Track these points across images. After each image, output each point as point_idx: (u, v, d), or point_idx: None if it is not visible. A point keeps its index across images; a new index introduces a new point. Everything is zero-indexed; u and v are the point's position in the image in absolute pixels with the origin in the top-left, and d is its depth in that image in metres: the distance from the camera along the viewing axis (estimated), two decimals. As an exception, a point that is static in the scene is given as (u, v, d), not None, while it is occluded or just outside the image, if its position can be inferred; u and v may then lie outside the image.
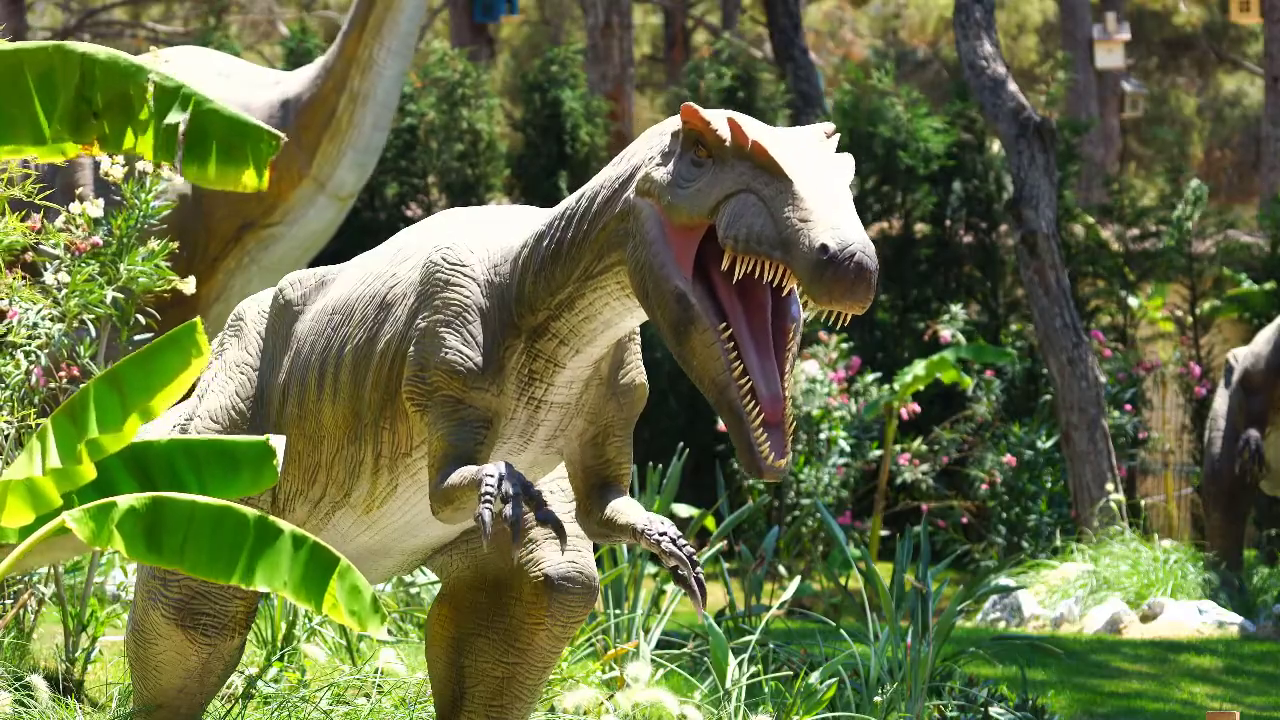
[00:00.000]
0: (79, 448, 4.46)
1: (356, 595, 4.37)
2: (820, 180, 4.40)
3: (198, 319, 4.61)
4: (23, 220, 6.57)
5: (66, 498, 4.54)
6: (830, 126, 4.64)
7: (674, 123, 4.69)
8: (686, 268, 4.55)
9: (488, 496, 4.66)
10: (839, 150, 4.63)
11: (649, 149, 4.71)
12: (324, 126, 10.33)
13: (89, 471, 4.49)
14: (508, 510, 4.65)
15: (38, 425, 6.65)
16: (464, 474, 4.82)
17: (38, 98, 4.64)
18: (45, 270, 6.86)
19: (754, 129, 4.51)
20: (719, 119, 4.53)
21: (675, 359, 4.64)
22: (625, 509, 4.97)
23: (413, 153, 17.12)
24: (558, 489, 5.52)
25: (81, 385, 7.00)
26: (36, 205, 6.70)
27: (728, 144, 4.50)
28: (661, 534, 4.82)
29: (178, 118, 4.69)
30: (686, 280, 4.54)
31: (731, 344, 4.51)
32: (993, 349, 15.24)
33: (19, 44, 4.66)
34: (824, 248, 4.27)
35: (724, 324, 4.52)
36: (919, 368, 14.62)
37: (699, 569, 4.80)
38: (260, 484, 4.68)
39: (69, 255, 6.77)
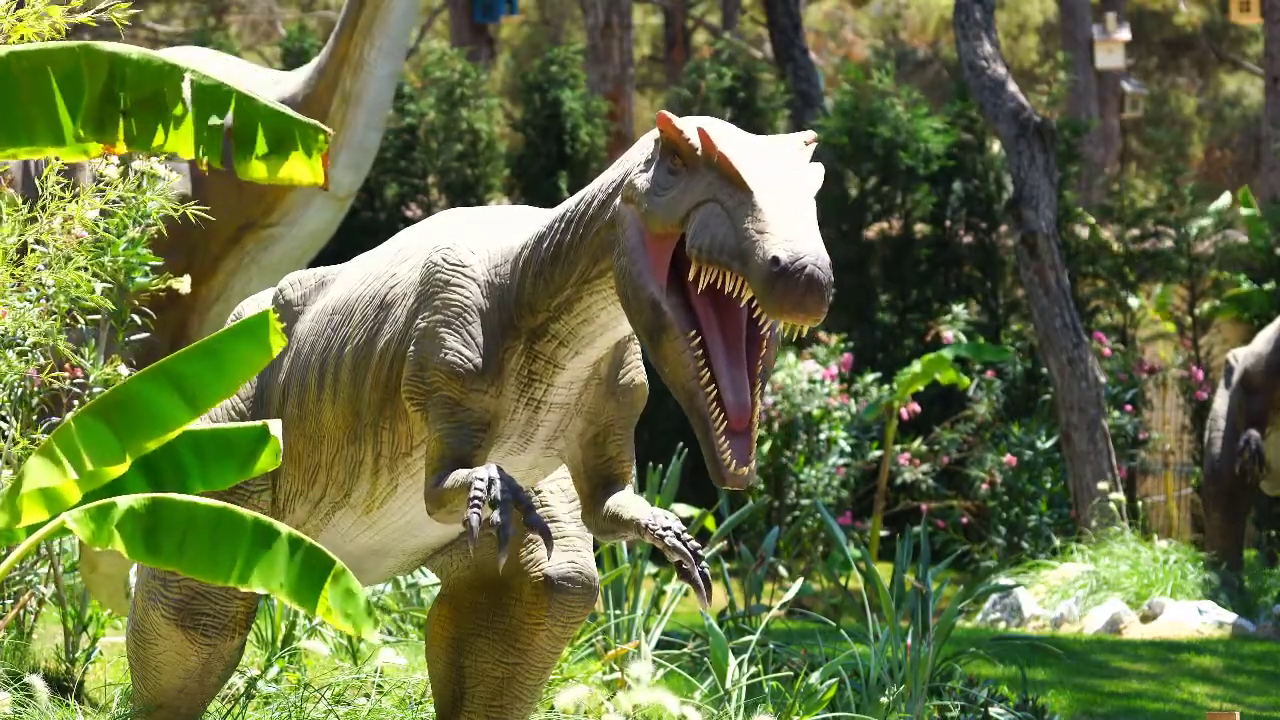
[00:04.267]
0: (121, 449, 4.42)
1: (350, 599, 4.38)
2: (781, 192, 4.41)
3: (269, 309, 4.57)
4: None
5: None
6: (810, 135, 4.66)
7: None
8: (661, 275, 4.57)
9: (476, 501, 4.67)
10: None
11: (640, 155, 4.72)
12: None
13: (119, 472, 4.46)
14: (495, 516, 4.65)
15: (44, 427, 6.63)
16: (456, 477, 4.82)
17: (61, 97, 4.58)
18: (40, 269, 6.84)
19: (724, 139, 4.51)
20: (690, 128, 4.54)
21: (652, 364, 4.65)
22: (629, 504, 4.96)
23: (412, 153, 17.12)
24: (558, 489, 5.52)
25: (82, 383, 7.02)
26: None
27: (699, 153, 4.51)
28: (665, 529, 4.82)
29: (220, 116, 4.64)
30: (660, 287, 4.56)
31: (700, 352, 4.53)
32: (992, 348, 15.22)
33: (43, 44, 4.61)
34: (775, 259, 4.28)
35: (695, 332, 4.53)
36: (917, 367, 14.62)
37: (704, 564, 4.80)
38: (261, 466, 4.68)
39: (58, 253, 6.73)
